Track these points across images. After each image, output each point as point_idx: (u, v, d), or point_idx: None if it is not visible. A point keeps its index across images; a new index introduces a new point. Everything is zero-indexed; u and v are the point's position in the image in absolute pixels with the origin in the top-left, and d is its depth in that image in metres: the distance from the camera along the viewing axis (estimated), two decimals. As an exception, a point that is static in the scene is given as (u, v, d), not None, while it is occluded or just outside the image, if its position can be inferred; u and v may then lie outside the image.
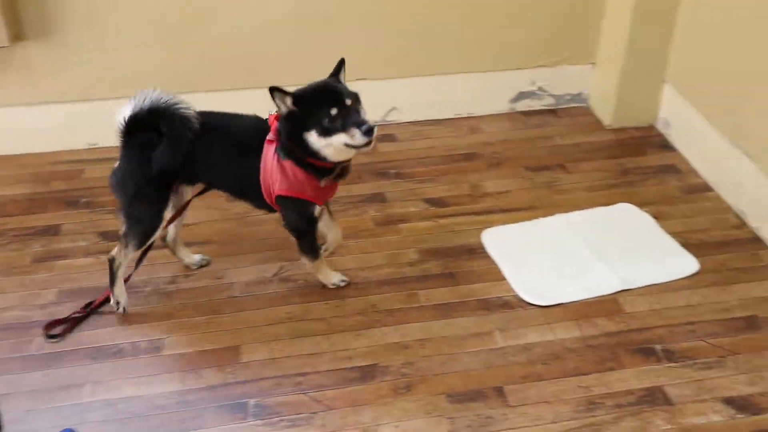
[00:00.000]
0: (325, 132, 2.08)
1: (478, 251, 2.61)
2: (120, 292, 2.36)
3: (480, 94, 3.32)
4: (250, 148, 2.20)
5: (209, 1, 2.99)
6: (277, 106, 2.11)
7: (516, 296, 2.43)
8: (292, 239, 2.34)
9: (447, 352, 2.24)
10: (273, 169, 2.18)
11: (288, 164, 2.16)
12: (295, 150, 2.13)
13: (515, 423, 2.05)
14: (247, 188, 2.25)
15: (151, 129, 2.15)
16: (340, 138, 2.08)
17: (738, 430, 2.02)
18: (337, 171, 2.19)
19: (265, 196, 2.23)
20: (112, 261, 2.32)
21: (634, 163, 3.04)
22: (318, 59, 3.09)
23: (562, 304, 2.40)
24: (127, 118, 2.16)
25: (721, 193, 2.87)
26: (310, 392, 2.13)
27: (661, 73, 3.18)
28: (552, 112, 3.39)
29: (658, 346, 2.26)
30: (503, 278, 2.50)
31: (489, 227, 2.70)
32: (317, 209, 2.25)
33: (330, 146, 2.10)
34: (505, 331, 2.31)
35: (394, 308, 2.39)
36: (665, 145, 3.18)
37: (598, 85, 3.34)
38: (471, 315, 2.37)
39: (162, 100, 2.13)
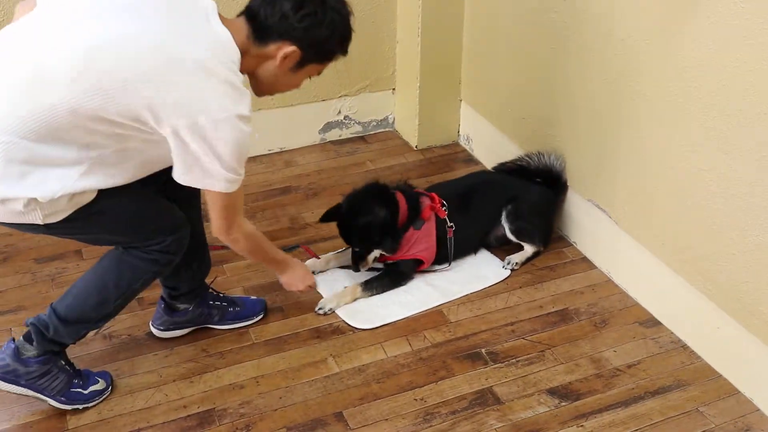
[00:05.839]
0: None
1: (303, 282, 2.63)
2: None
3: (289, 127, 3.36)
4: None
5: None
6: None
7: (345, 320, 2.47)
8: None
9: (284, 386, 2.24)
10: None
11: None
12: None
13: (358, 445, 2.08)
14: None
15: None
16: None
17: (563, 417, 2.16)
18: None
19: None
20: None
21: (442, 179, 3.17)
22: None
23: (389, 323, 2.46)
24: None
25: (523, 198, 3.06)
26: (147, 449, 2.07)
27: (457, 92, 3.36)
28: (361, 138, 3.48)
29: (483, 350, 2.37)
30: (331, 305, 2.54)
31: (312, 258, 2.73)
32: None
33: None
34: (339, 356, 2.35)
35: (225, 349, 2.36)
36: (470, 159, 3.36)
37: (401, 109, 3.48)
38: (303, 345, 2.38)
39: None
